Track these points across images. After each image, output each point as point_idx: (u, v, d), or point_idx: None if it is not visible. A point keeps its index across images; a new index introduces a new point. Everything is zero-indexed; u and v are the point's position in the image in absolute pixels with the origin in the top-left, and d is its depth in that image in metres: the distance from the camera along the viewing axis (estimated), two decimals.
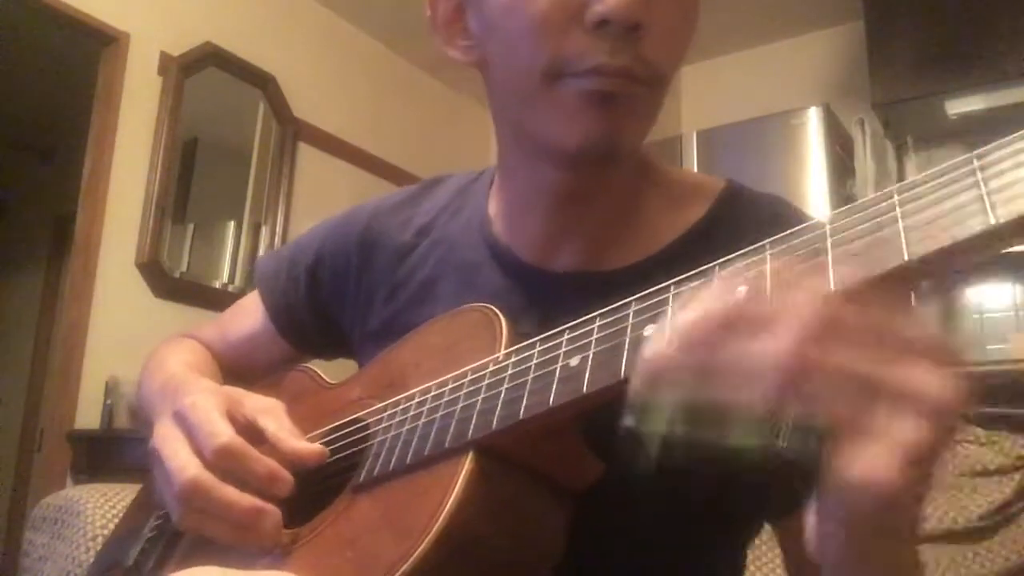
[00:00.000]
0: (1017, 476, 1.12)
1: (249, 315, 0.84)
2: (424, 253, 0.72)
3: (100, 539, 1.05)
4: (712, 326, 0.34)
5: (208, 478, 0.54)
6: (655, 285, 0.45)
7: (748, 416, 0.33)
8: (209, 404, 0.58)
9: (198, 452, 0.56)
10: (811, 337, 0.32)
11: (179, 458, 0.56)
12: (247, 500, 0.54)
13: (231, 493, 0.54)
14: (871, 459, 0.31)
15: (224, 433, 0.56)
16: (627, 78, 0.54)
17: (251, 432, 0.58)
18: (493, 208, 0.71)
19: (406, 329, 0.65)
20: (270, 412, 0.61)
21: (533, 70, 0.55)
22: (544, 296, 0.64)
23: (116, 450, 2.38)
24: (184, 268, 2.76)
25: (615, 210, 0.64)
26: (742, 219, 0.63)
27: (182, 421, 0.58)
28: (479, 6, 0.59)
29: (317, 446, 0.59)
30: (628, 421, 0.35)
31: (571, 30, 0.53)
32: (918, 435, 0.31)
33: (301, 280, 0.80)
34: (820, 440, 0.33)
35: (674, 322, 0.35)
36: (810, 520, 0.36)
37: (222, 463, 0.55)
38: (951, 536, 1.09)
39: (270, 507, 0.55)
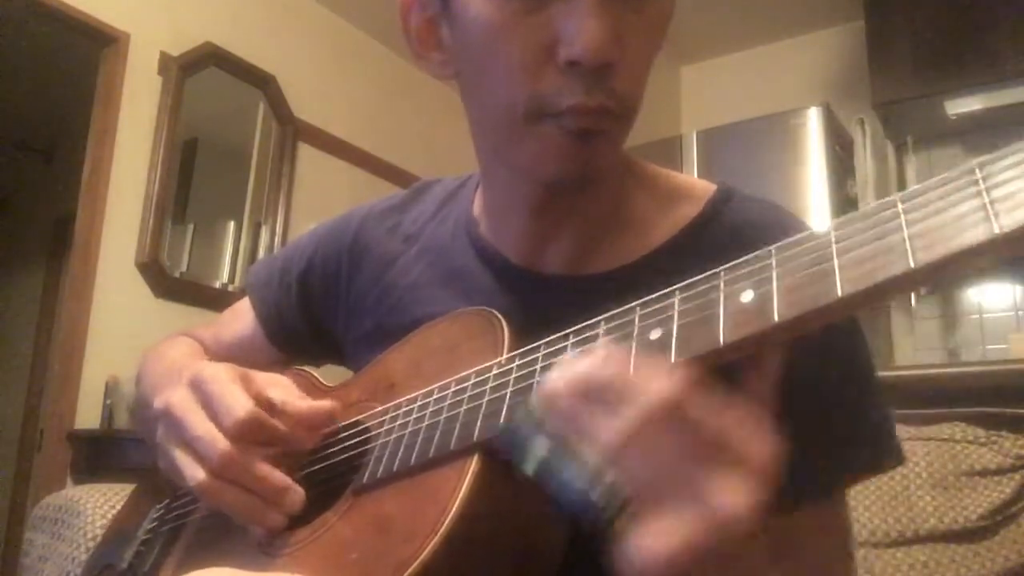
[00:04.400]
0: (1017, 476, 1.12)
1: (241, 319, 0.85)
2: (412, 259, 0.73)
3: (100, 539, 1.05)
4: (572, 393, 0.40)
5: (243, 450, 0.56)
6: (646, 287, 0.46)
7: (579, 466, 0.39)
8: (227, 375, 0.59)
9: (216, 420, 0.57)
10: (640, 428, 0.38)
11: (207, 426, 0.56)
12: (278, 475, 0.56)
13: (264, 467, 0.56)
14: (651, 537, 0.37)
15: (246, 403, 0.56)
16: (603, 115, 0.55)
17: (262, 404, 0.59)
18: (478, 209, 0.71)
19: (395, 334, 0.65)
20: (278, 384, 0.61)
21: (512, 110, 0.56)
22: (534, 299, 0.64)
23: (116, 450, 2.38)
24: (184, 268, 2.76)
25: (600, 212, 0.65)
26: (736, 222, 0.63)
27: (199, 390, 0.58)
28: (452, 20, 0.59)
29: (326, 403, 0.60)
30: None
31: (545, 69, 0.54)
32: (699, 537, 0.36)
33: (292, 288, 0.81)
34: (622, 505, 0.38)
35: (545, 382, 0.42)
36: None
37: (244, 434, 0.56)
38: (951, 536, 1.09)
39: (296, 485, 0.57)
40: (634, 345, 0.43)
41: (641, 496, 0.38)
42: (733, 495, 0.36)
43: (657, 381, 0.38)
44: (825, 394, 0.58)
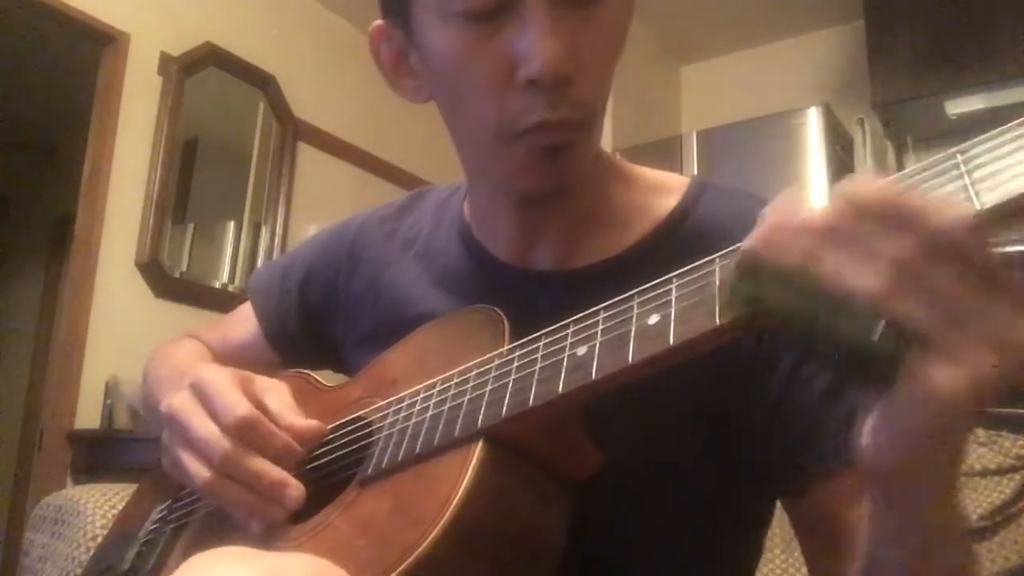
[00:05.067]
0: (1017, 476, 1.12)
1: (245, 323, 0.87)
2: (409, 262, 0.75)
3: (100, 539, 1.05)
4: (857, 206, 0.35)
5: (242, 447, 0.57)
6: (630, 276, 0.47)
7: (852, 302, 0.34)
8: (226, 378, 0.60)
9: (217, 420, 0.58)
10: (937, 249, 0.34)
11: (209, 427, 0.58)
12: (276, 470, 0.57)
13: (263, 462, 0.57)
14: (951, 377, 0.34)
15: (244, 404, 0.58)
16: (570, 128, 0.56)
17: (258, 407, 0.60)
18: (469, 212, 0.74)
19: (393, 335, 0.66)
20: (274, 390, 0.63)
21: (485, 132, 0.58)
22: (525, 295, 0.65)
23: (116, 450, 2.38)
24: (184, 268, 2.76)
25: (582, 211, 0.66)
26: (711, 211, 0.65)
27: (200, 392, 0.60)
28: (418, 50, 0.61)
29: (315, 422, 0.61)
30: (732, 277, 0.37)
31: (508, 90, 0.55)
32: (994, 369, 0.34)
33: (293, 294, 0.83)
34: (907, 346, 0.34)
35: (837, 191, 0.36)
36: (868, 429, 0.38)
37: (242, 433, 0.57)
38: None
39: (295, 480, 0.57)
40: (633, 331, 0.44)
41: (937, 330, 0.34)
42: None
43: (950, 209, 0.34)
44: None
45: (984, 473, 1.12)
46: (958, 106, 2.94)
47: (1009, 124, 0.36)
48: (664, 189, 0.68)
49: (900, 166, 3.22)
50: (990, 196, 0.34)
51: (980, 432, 1.16)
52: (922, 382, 0.34)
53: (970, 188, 0.35)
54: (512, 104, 0.55)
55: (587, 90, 0.56)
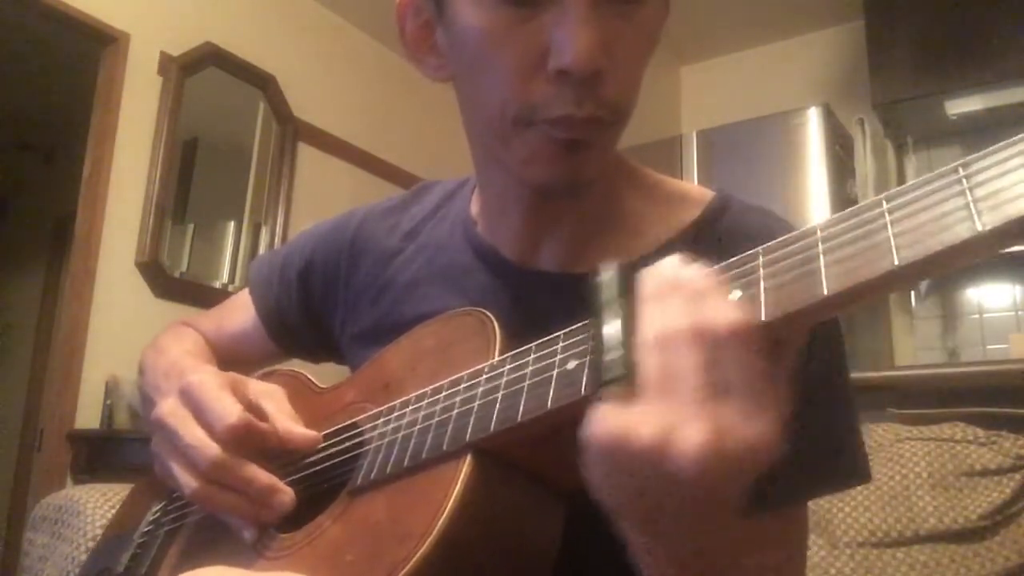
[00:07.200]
0: (1017, 476, 1.12)
1: (242, 312, 0.86)
2: (410, 256, 0.74)
3: (97, 542, 1.05)
4: (670, 277, 0.42)
5: (232, 454, 0.57)
6: None
7: (619, 326, 0.43)
8: (215, 383, 0.60)
9: (208, 427, 0.58)
10: (702, 334, 0.38)
11: (198, 434, 0.58)
12: (266, 476, 0.57)
13: (252, 469, 0.57)
14: (620, 419, 0.38)
15: (236, 410, 0.58)
16: (594, 125, 0.55)
17: (253, 412, 0.60)
18: (476, 208, 0.72)
19: (392, 331, 0.65)
20: (271, 395, 0.63)
21: (504, 115, 0.56)
22: (529, 295, 0.64)
23: (116, 450, 2.38)
24: (184, 268, 2.76)
25: (593, 212, 0.65)
26: (732, 228, 0.63)
27: (189, 398, 0.60)
28: (446, 26, 0.59)
29: (312, 432, 0.61)
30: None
31: (536, 76, 0.54)
32: (682, 440, 0.36)
33: (292, 285, 0.81)
34: (621, 380, 0.40)
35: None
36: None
37: (236, 439, 0.57)
38: (951, 536, 1.09)
39: (284, 486, 0.58)
40: None
41: (648, 386, 0.38)
42: (745, 425, 0.36)
43: (738, 312, 0.38)
44: (796, 409, 0.57)
45: (984, 473, 1.12)
46: (958, 106, 2.94)
47: (1014, 138, 0.34)
48: (685, 200, 0.66)
49: (900, 166, 3.22)
50: (991, 217, 0.33)
51: (980, 432, 1.16)
52: (597, 417, 0.39)
53: (972, 207, 0.34)
54: (537, 92, 0.54)
55: (616, 89, 0.55)
